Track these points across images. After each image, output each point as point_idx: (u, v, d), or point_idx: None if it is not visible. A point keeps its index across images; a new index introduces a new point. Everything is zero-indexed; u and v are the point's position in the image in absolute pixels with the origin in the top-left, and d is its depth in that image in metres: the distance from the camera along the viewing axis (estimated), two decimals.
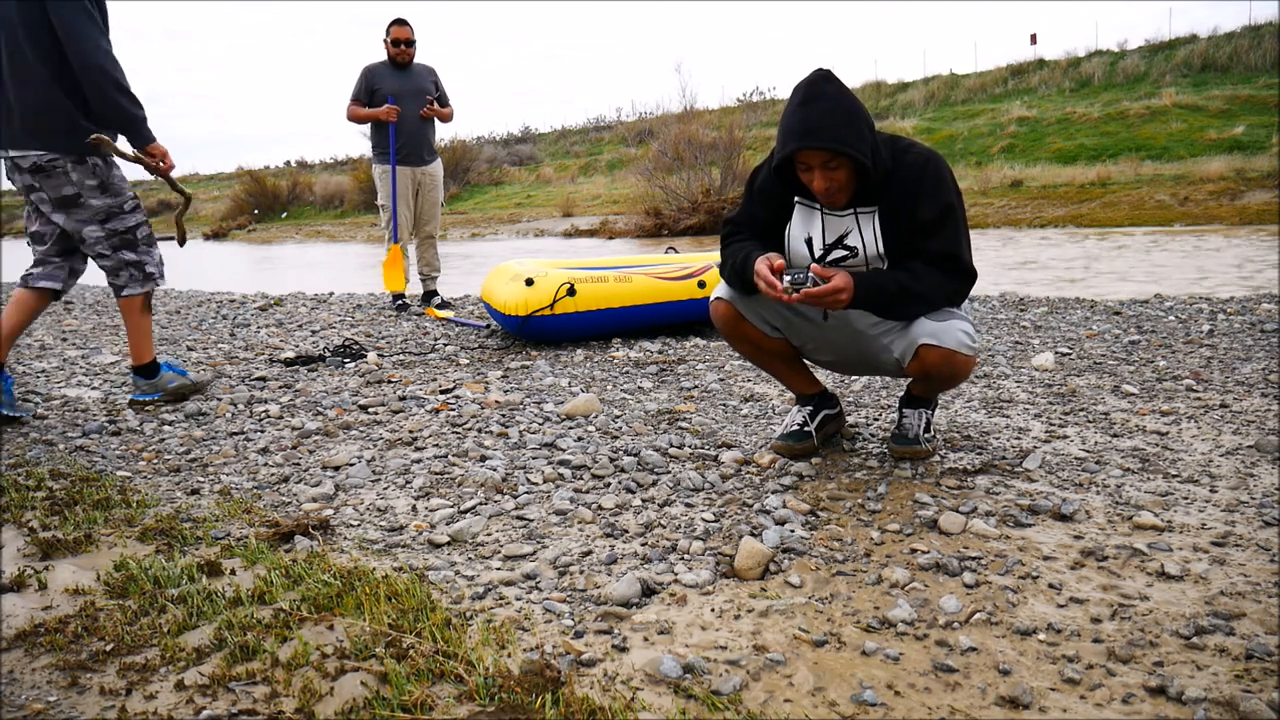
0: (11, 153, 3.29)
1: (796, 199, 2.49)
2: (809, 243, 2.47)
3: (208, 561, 1.97)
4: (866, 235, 2.41)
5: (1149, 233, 12.14)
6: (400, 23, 6.03)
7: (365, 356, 4.49)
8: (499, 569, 1.98)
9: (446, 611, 1.73)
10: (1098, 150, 18.27)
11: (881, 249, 2.41)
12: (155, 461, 2.84)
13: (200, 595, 1.81)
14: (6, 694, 1.50)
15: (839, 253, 2.46)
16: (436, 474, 2.63)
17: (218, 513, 2.35)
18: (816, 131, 2.21)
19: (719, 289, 2.62)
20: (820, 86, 2.26)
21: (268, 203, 27.71)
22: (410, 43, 6.04)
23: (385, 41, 6.05)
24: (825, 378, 3.66)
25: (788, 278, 2.25)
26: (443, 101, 6.23)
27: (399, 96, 5.97)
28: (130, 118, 3.26)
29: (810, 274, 2.25)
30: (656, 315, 4.81)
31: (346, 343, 4.89)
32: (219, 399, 3.62)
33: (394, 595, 1.77)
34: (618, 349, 4.53)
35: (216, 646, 1.61)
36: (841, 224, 2.43)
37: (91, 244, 3.41)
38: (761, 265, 2.32)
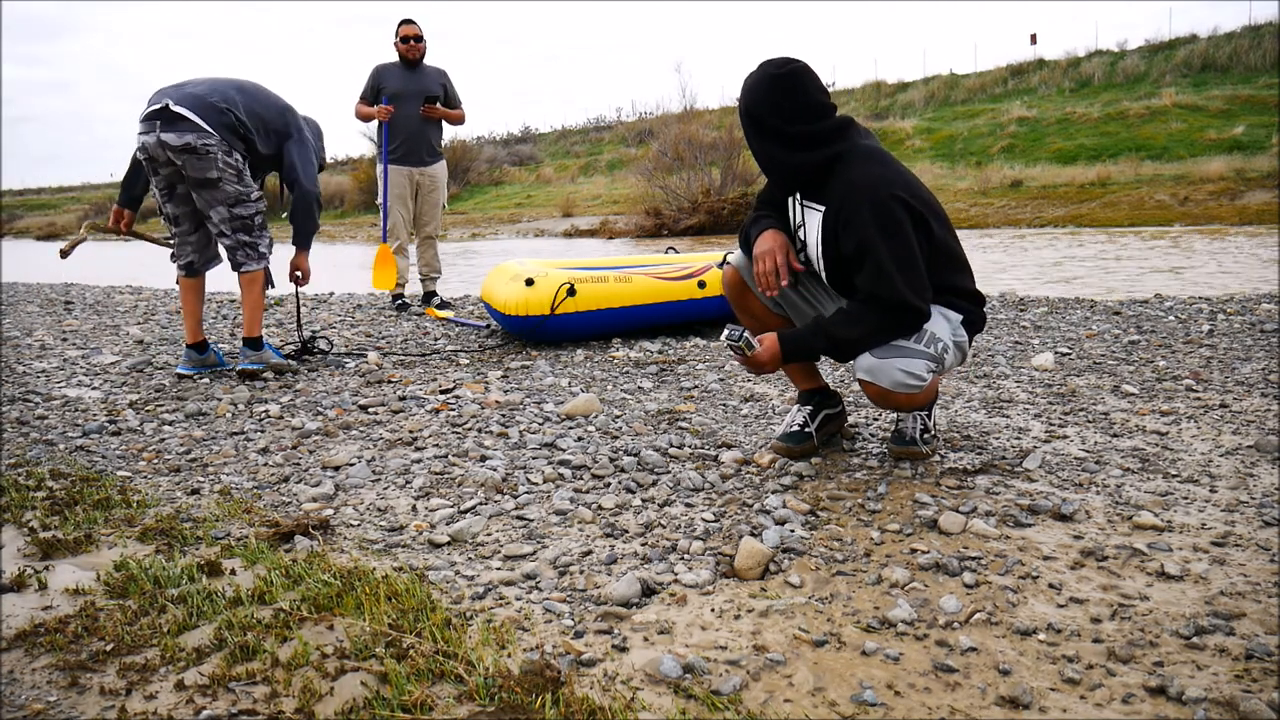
0: (172, 105, 3.70)
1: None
2: (799, 232, 2.58)
3: (208, 561, 1.97)
4: (812, 234, 2.49)
5: (1148, 233, 12.14)
6: (408, 21, 6.07)
7: (320, 352, 4.49)
8: (499, 569, 1.98)
9: (446, 611, 1.73)
10: (1098, 150, 18.28)
11: (820, 255, 2.47)
12: (155, 461, 2.84)
13: (200, 595, 1.81)
14: (6, 694, 1.50)
15: (798, 243, 2.57)
16: (436, 474, 2.63)
17: (218, 513, 2.35)
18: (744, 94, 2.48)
19: (734, 255, 2.75)
20: (778, 69, 2.41)
21: (268, 203, 27.70)
22: (419, 38, 6.06)
23: (395, 43, 6.07)
24: (826, 377, 3.65)
25: (726, 332, 2.41)
26: (452, 103, 6.22)
27: (399, 96, 5.98)
28: (312, 232, 4.16)
29: (745, 335, 2.38)
30: (656, 315, 4.81)
31: (310, 339, 4.61)
32: (219, 399, 3.62)
33: (394, 595, 1.77)
34: (618, 349, 4.53)
35: (216, 646, 1.62)
36: (800, 214, 2.53)
37: (216, 223, 3.90)
38: (767, 251, 2.45)
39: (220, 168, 3.77)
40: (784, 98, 2.36)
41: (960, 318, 2.49)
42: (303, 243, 4.14)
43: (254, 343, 4.06)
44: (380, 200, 6.27)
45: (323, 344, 4.59)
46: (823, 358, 2.81)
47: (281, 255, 4.05)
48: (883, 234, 2.29)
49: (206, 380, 4.03)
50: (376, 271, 6.24)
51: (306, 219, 4.08)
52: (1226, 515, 2.14)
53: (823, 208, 2.42)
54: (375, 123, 6.17)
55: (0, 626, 1.73)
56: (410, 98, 6.02)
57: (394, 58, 6.13)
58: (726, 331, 2.40)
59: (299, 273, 4.18)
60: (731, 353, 2.45)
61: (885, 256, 2.28)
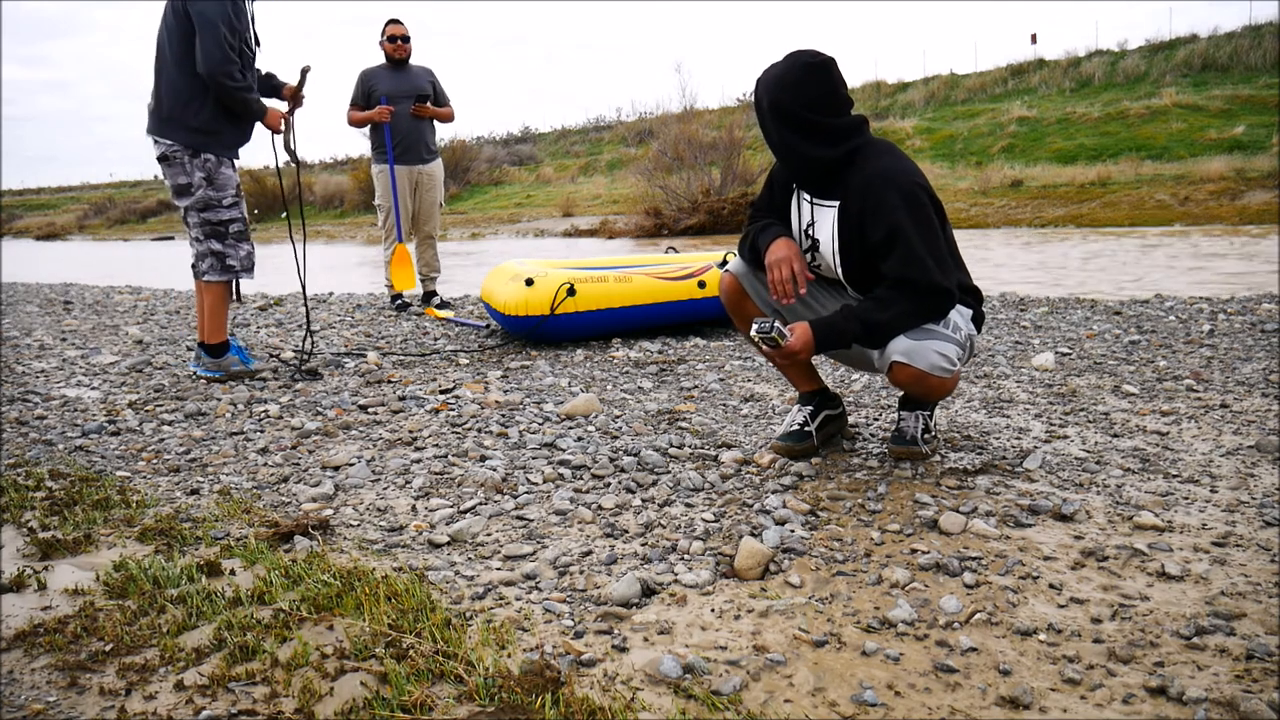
0: (153, 138, 3.84)
1: (795, 184, 2.56)
2: (807, 231, 2.55)
3: (208, 561, 1.96)
4: (826, 231, 2.47)
5: (1148, 233, 12.14)
6: (395, 21, 6.09)
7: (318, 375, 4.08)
8: (499, 569, 1.98)
9: (446, 611, 1.73)
10: (1098, 150, 18.27)
11: (836, 250, 2.45)
12: (155, 461, 2.84)
13: (200, 595, 1.81)
14: (6, 694, 1.50)
15: (807, 243, 2.55)
16: (436, 474, 2.63)
17: (217, 513, 2.35)
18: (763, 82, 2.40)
19: (733, 263, 2.71)
20: (805, 57, 2.38)
21: (268, 203, 27.69)
22: (406, 38, 6.08)
23: (381, 42, 6.09)
24: (827, 378, 3.65)
25: (755, 326, 2.33)
26: (440, 101, 6.24)
27: (393, 97, 6.00)
28: (246, 110, 3.86)
29: (776, 325, 2.32)
30: (656, 315, 4.81)
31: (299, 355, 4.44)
32: (218, 399, 3.62)
33: (394, 595, 1.77)
34: (618, 349, 4.53)
35: (216, 646, 1.61)
36: (812, 213, 2.50)
37: (190, 227, 3.93)
38: (783, 249, 2.43)
39: (189, 171, 3.80)
40: (815, 89, 2.35)
41: (970, 313, 2.53)
42: (257, 116, 3.92)
43: (213, 350, 4.01)
44: (378, 201, 6.28)
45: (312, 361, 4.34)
46: (824, 357, 2.81)
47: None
48: (913, 219, 2.31)
49: (205, 379, 4.03)
50: (395, 271, 6.24)
51: (230, 103, 3.79)
52: (1227, 515, 2.14)
53: (836, 204, 2.42)
54: (370, 126, 6.16)
55: (0, 626, 1.72)
56: (402, 98, 6.04)
57: (378, 60, 6.15)
58: (756, 325, 2.33)
59: (281, 123, 4.00)
60: (762, 345, 2.36)
61: (916, 240, 2.31)
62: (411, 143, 6.12)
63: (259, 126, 4.02)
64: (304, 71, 4.11)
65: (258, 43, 3.96)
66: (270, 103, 4.02)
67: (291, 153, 4.11)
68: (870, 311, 2.35)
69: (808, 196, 2.51)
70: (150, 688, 1.50)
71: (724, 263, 5.01)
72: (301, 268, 4.25)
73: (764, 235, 2.53)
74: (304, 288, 4.37)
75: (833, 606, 1.76)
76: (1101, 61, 25.76)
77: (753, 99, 2.45)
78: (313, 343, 4.56)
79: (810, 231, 2.53)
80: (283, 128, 4.00)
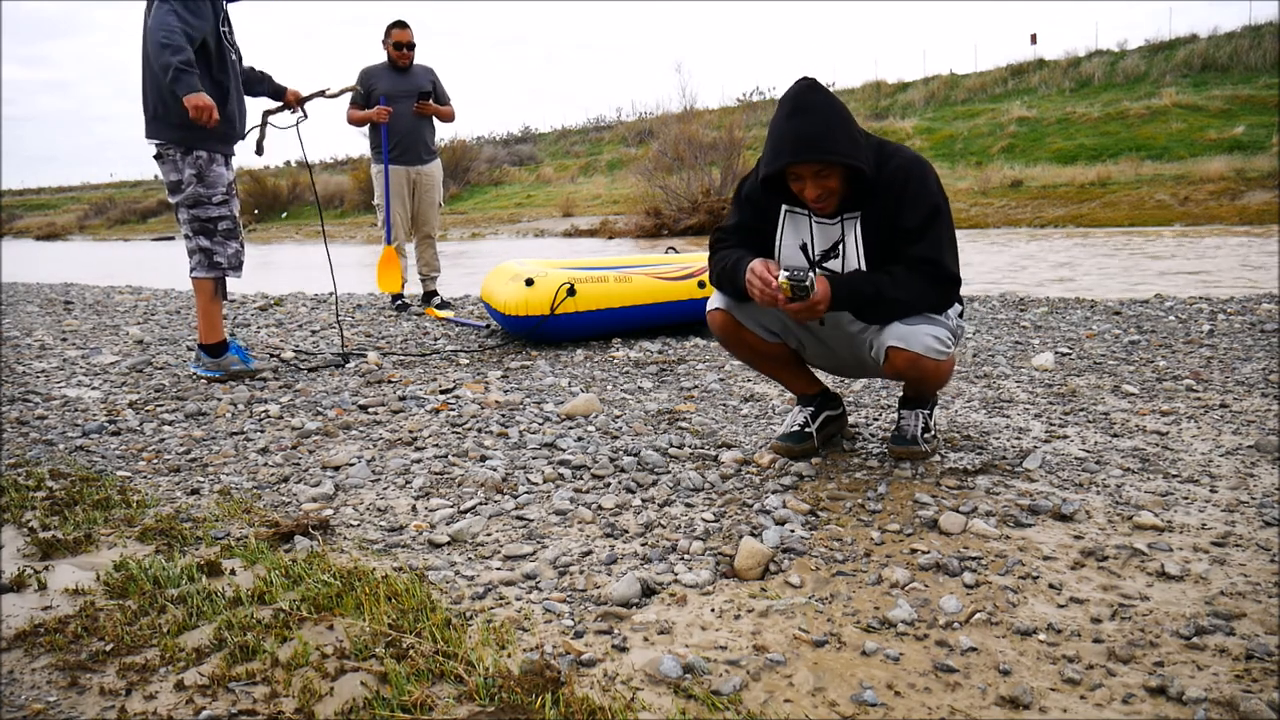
0: (148, 140, 3.86)
1: (785, 206, 2.49)
2: (804, 249, 2.49)
3: (208, 561, 1.97)
4: (850, 241, 2.43)
5: (1148, 233, 12.14)
6: (401, 25, 6.07)
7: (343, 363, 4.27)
8: (499, 569, 1.98)
9: (446, 611, 1.73)
10: (1098, 150, 18.27)
11: (861, 254, 2.42)
12: (155, 461, 2.84)
13: (200, 595, 1.81)
14: (6, 694, 1.50)
15: (802, 258, 2.49)
16: (436, 474, 2.63)
17: (218, 513, 2.35)
18: (810, 144, 2.24)
19: (714, 299, 2.62)
20: (808, 97, 2.28)
21: (268, 203, 27.69)
22: (411, 45, 6.07)
23: (385, 44, 6.08)
24: (826, 377, 3.65)
25: (785, 274, 2.23)
26: (441, 100, 6.24)
27: (393, 97, 5.99)
28: (169, 74, 3.60)
29: (812, 277, 2.24)
30: (656, 315, 4.81)
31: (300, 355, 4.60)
32: (219, 399, 3.62)
33: (394, 595, 1.77)
34: (618, 349, 4.53)
35: (216, 646, 1.61)
36: (832, 232, 2.44)
37: (181, 223, 3.95)
38: (759, 267, 2.33)
39: (180, 168, 3.83)
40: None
41: (960, 309, 2.54)
42: (176, 88, 3.61)
43: (211, 350, 4.01)
44: (377, 201, 6.28)
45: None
46: (821, 366, 2.80)
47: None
48: (946, 206, 2.38)
49: (205, 380, 4.03)
50: (381, 273, 6.24)
51: (158, 65, 3.61)
52: (1227, 515, 2.14)
53: (858, 213, 2.39)
54: (368, 125, 6.16)
55: (0, 626, 1.73)
56: (402, 98, 6.03)
57: (380, 58, 6.14)
58: (787, 273, 2.22)
59: (205, 115, 3.65)
60: (792, 294, 2.25)
61: (945, 228, 2.37)
62: (410, 143, 6.12)
63: (253, 122, 4.07)
64: (338, 94, 4.25)
65: (236, 49, 3.94)
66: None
67: (260, 149, 4.17)
68: (887, 286, 2.34)
69: (826, 218, 2.44)
70: (150, 688, 1.50)
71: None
72: (333, 271, 4.26)
73: (738, 271, 2.41)
74: (335, 285, 4.37)
75: (833, 606, 1.76)
76: (1101, 62, 25.76)
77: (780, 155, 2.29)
78: (333, 338, 4.56)
79: (809, 248, 2.48)
80: (206, 118, 3.66)
